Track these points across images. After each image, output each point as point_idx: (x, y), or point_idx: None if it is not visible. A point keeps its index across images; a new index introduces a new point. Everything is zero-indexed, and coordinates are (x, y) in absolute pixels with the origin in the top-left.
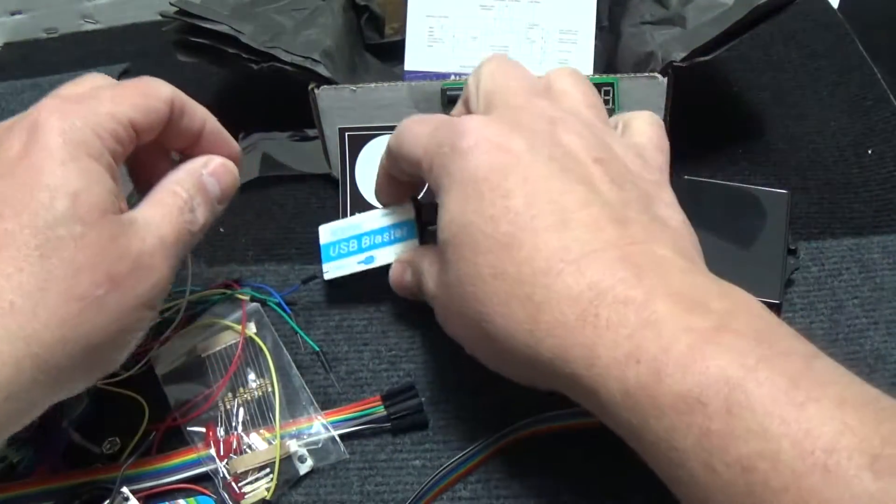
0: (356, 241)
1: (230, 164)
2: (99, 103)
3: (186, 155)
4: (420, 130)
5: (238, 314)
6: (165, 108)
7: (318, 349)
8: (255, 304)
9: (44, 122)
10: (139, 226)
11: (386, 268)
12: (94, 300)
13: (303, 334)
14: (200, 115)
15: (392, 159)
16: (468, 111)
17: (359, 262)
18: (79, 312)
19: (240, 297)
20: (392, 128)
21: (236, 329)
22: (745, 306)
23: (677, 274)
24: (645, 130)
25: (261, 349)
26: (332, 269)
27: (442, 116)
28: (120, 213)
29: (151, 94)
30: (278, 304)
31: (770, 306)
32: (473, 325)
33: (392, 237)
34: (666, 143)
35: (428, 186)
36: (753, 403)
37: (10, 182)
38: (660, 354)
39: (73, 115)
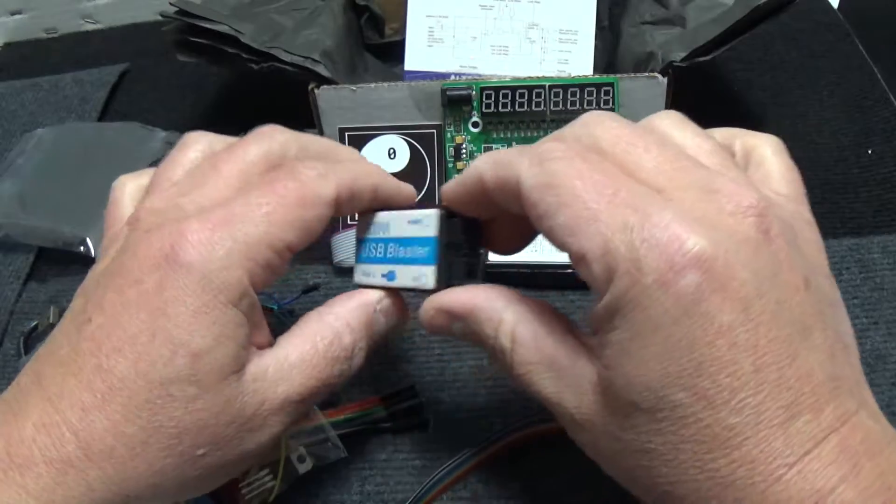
0: (383, 246)
1: (401, 302)
2: (252, 227)
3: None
4: (598, 206)
5: None
6: (329, 212)
7: None
8: None
9: (187, 256)
10: (267, 382)
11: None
12: (193, 459)
13: None
14: (370, 188)
15: (507, 193)
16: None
17: (382, 276)
18: (174, 467)
19: None
20: (392, 128)
21: None
22: None
23: (885, 456)
24: (784, 175)
25: None
26: (361, 275)
27: (636, 189)
28: (246, 368)
29: (313, 200)
30: (284, 312)
31: None
32: (641, 486)
33: (411, 255)
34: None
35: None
36: None
37: (135, 320)
38: None
39: (219, 249)
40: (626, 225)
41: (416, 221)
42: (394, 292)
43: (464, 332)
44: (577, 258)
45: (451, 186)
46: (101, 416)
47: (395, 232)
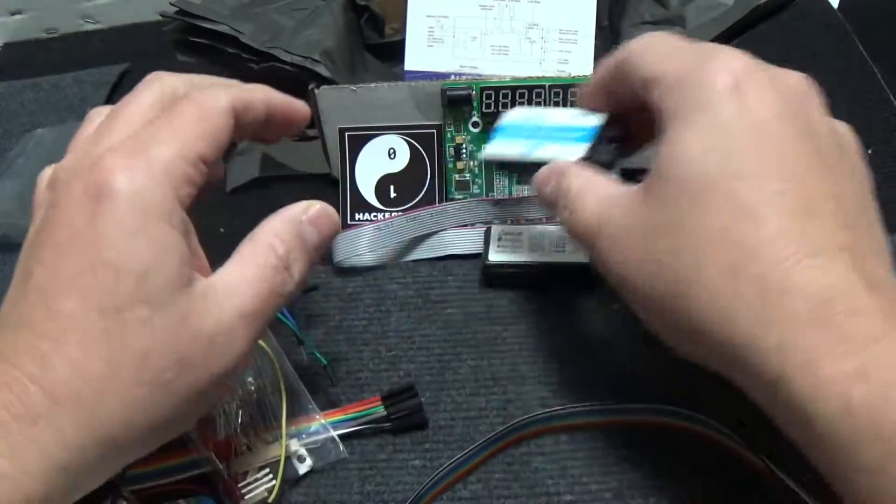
0: (535, 129)
1: (331, 210)
2: (163, 146)
3: (257, 139)
4: (664, 47)
5: None
6: (229, 120)
7: (326, 363)
8: None
9: (109, 186)
10: (218, 297)
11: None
12: (163, 384)
13: (315, 351)
14: (261, 100)
15: (618, 73)
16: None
17: (524, 149)
18: (145, 397)
19: None
20: (392, 128)
21: None
22: None
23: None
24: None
25: (262, 351)
26: (497, 148)
27: (694, 43)
28: (193, 284)
29: (211, 112)
30: (283, 312)
31: None
32: (670, 280)
33: (566, 136)
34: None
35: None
36: None
37: (74, 259)
38: (889, 377)
39: (138, 171)
40: (684, 56)
41: (579, 115)
42: (326, 210)
43: (553, 190)
44: (653, 81)
45: (587, 86)
46: (61, 360)
47: (554, 120)
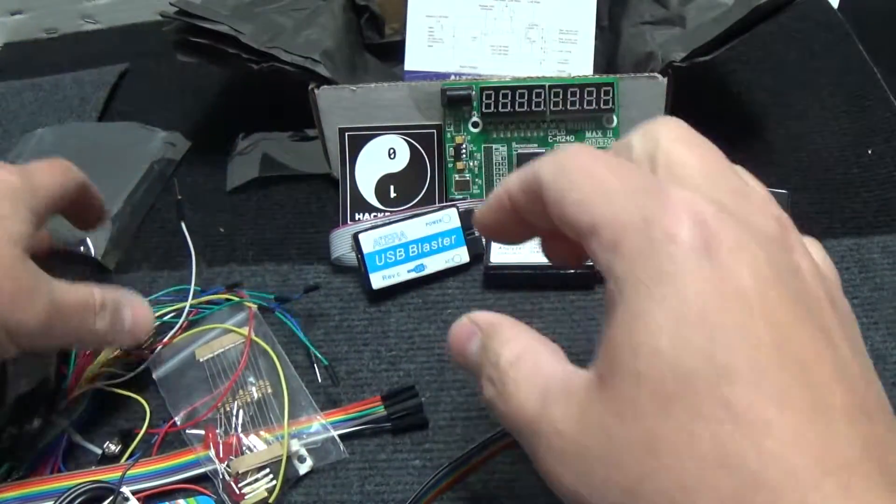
0: (403, 250)
1: (151, 317)
2: None
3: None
4: (610, 183)
5: (237, 318)
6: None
7: (326, 363)
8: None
9: None
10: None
11: (434, 275)
12: None
13: (315, 351)
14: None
15: (530, 196)
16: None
17: (409, 271)
18: None
19: (248, 305)
20: (392, 128)
21: (238, 332)
22: None
23: None
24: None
25: (262, 351)
26: (381, 279)
27: (637, 171)
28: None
29: None
30: (283, 312)
31: None
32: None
33: (441, 245)
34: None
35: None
36: None
37: None
38: None
39: None
40: (634, 203)
41: (434, 221)
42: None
43: (477, 354)
44: (589, 231)
45: (483, 211)
46: None
47: (415, 234)
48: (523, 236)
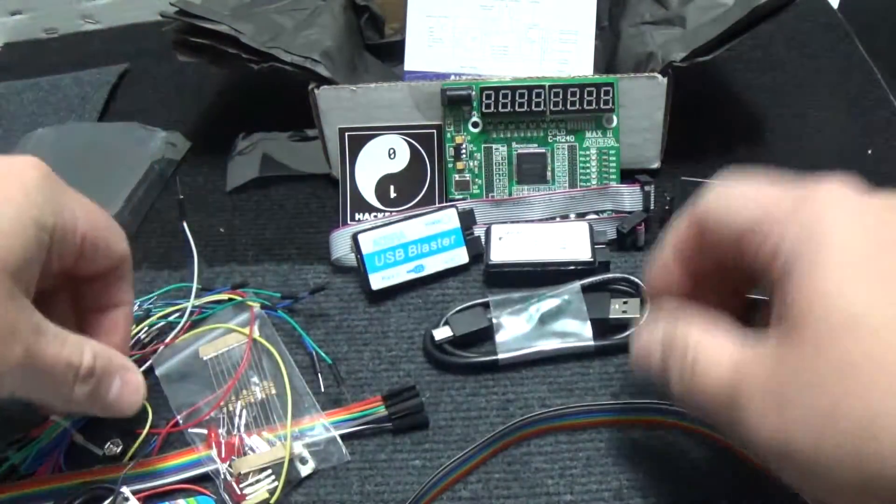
0: (402, 251)
1: (142, 392)
2: None
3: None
4: (760, 188)
5: (240, 318)
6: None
7: (330, 362)
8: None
9: None
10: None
11: (433, 276)
12: None
13: (319, 351)
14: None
15: (698, 234)
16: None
17: (408, 272)
18: None
19: (249, 304)
20: (392, 128)
21: (241, 332)
22: None
23: None
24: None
25: (265, 352)
26: (380, 280)
27: (773, 180)
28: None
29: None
30: (286, 311)
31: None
32: (848, 432)
33: (440, 245)
34: None
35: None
36: None
37: None
38: None
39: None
40: (786, 187)
41: (434, 222)
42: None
43: (662, 360)
44: (750, 225)
45: (658, 262)
46: None
47: (414, 234)
48: (684, 286)
